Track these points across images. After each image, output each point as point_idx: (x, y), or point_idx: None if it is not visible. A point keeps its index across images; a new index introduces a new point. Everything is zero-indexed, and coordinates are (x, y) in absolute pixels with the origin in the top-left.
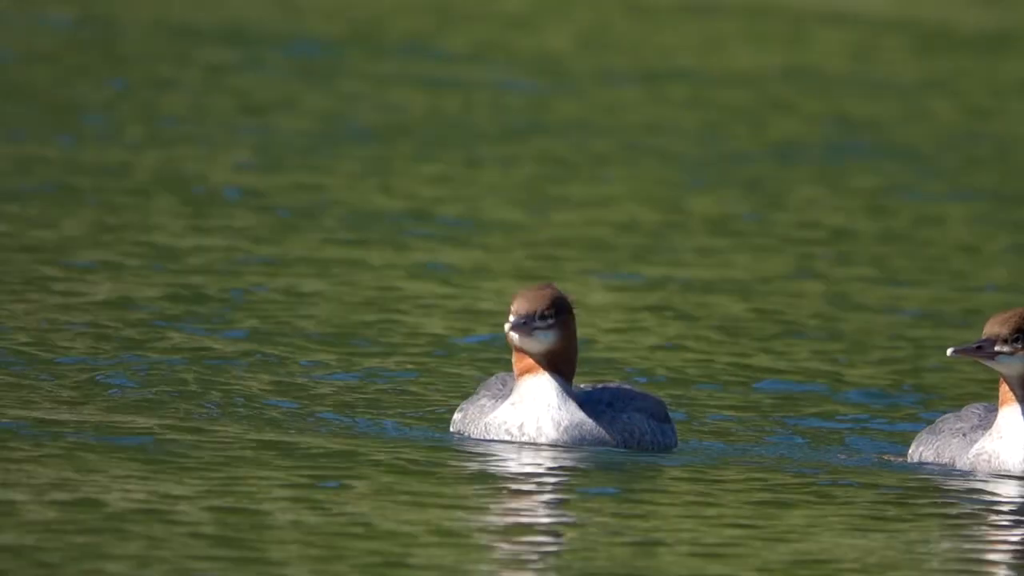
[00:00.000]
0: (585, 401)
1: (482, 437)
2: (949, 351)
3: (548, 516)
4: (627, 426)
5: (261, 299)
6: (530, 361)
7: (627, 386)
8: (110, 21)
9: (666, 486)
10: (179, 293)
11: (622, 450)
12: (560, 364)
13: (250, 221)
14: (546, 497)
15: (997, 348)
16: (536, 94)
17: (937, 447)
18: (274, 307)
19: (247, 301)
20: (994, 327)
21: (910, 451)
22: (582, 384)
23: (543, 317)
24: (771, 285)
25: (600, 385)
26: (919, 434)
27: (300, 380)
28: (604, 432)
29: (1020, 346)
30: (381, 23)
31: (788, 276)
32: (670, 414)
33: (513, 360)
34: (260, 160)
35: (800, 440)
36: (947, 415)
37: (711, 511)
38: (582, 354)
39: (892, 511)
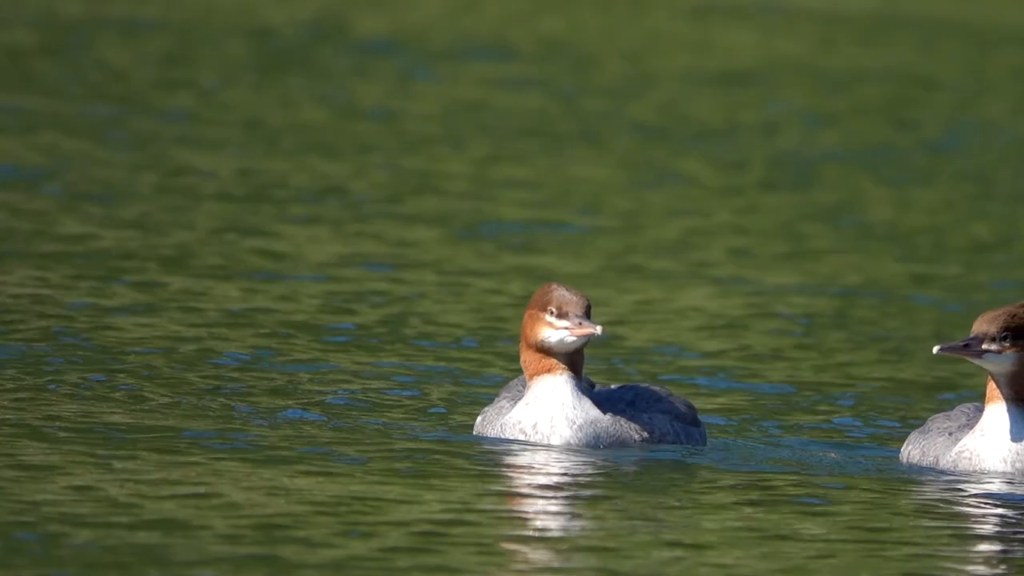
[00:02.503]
0: (605, 401)
1: (498, 437)
2: (935, 348)
3: (563, 518)
4: (647, 427)
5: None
6: (550, 361)
7: (655, 387)
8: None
9: (687, 486)
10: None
11: (641, 451)
12: (578, 366)
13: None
14: (562, 499)
15: (984, 346)
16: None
17: (923, 446)
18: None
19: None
20: (982, 325)
21: (901, 451)
22: (612, 385)
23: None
24: None
25: (626, 386)
26: (910, 435)
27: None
28: (622, 432)
29: (1008, 344)
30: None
31: None
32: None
33: (523, 360)
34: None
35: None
36: (937, 415)
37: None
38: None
39: (877, 517)
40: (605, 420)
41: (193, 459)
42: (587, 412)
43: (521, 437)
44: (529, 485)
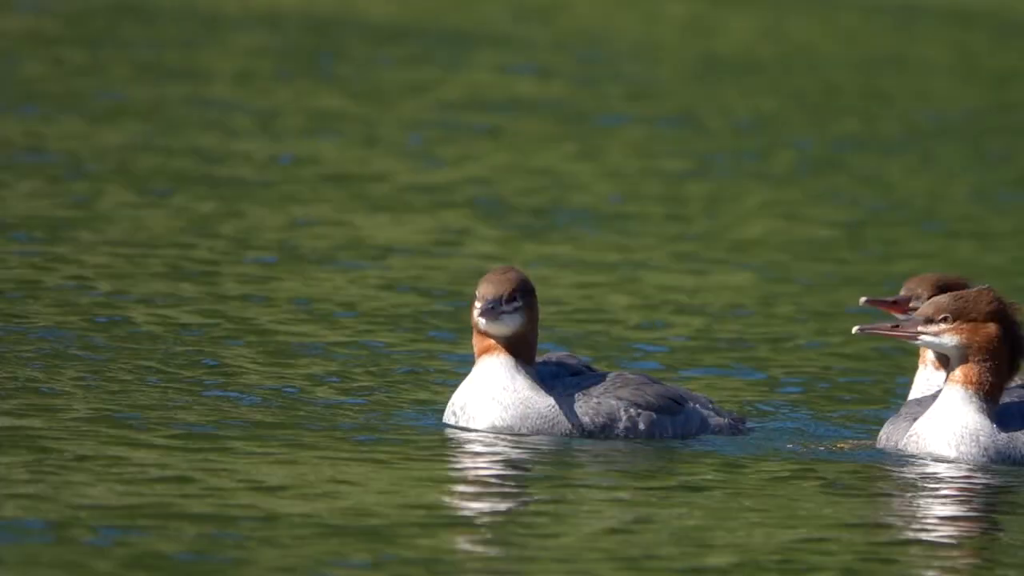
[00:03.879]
0: (557, 385)
1: (448, 422)
2: (855, 329)
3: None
4: (593, 412)
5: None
6: (488, 342)
7: (631, 374)
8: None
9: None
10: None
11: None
12: (519, 347)
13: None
14: (499, 484)
15: (921, 329)
16: None
17: (889, 432)
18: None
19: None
20: (925, 309)
21: (878, 436)
22: (613, 372)
23: (509, 300)
24: None
25: (598, 373)
26: (887, 421)
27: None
28: (556, 416)
29: (945, 326)
30: None
31: None
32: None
33: (473, 341)
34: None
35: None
36: (912, 399)
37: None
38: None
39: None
40: (539, 403)
41: (197, 446)
42: (519, 393)
43: (452, 420)
44: (467, 471)
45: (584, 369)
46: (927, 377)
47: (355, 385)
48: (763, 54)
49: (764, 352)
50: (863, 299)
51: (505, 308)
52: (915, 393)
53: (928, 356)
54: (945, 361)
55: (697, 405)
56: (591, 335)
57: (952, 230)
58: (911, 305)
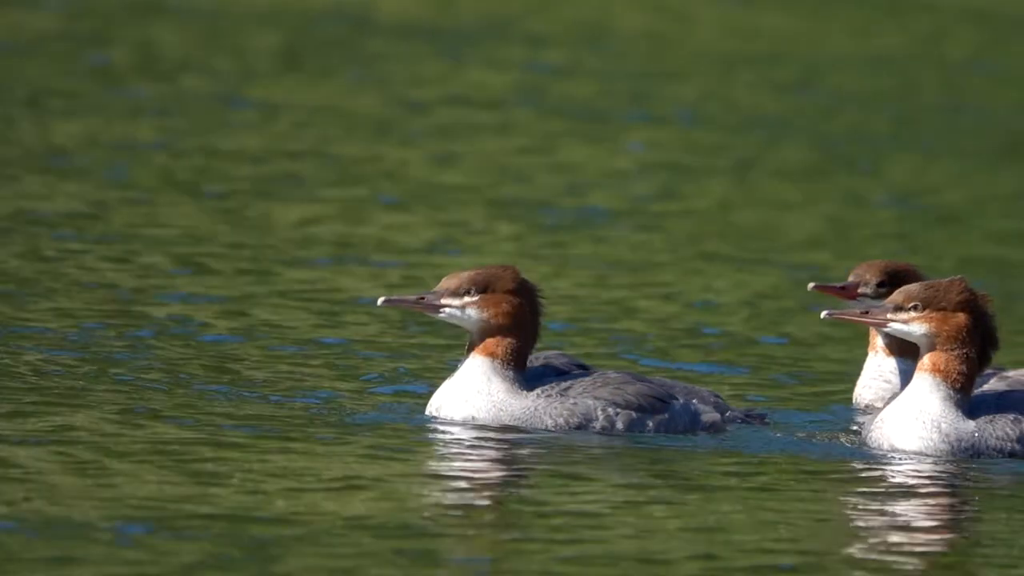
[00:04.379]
0: (537, 386)
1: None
2: (823, 314)
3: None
4: (572, 411)
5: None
6: (474, 343)
7: (614, 373)
8: None
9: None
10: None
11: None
12: (497, 348)
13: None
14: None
15: (890, 316)
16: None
17: (866, 423)
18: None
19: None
20: (896, 296)
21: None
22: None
23: (457, 294)
24: None
25: (578, 372)
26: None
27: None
28: (532, 417)
29: (915, 314)
30: None
31: None
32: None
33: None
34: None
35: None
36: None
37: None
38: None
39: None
40: (512, 405)
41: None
42: (492, 396)
43: (429, 417)
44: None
45: (573, 368)
46: (878, 364)
47: (351, 385)
48: (786, 50)
49: (776, 350)
50: (811, 285)
51: (449, 301)
52: (864, 379)
53: (878, 343)
54: (897, 348)
55: (695, 401)
56: (599, 331)
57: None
58: (859, 291)
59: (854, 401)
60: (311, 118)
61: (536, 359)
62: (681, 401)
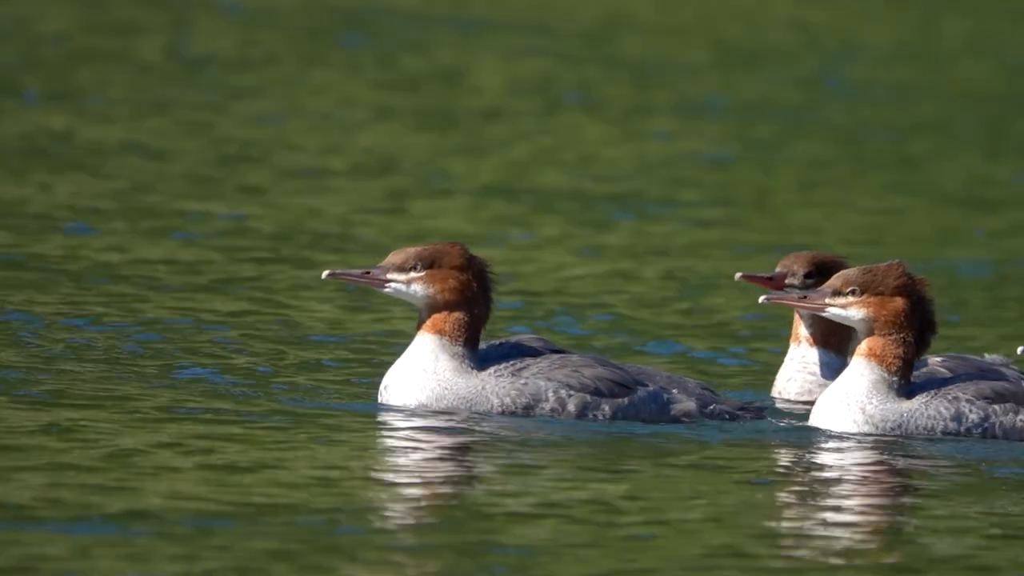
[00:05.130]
0: (489, 367)
1: (379, 401)
2: (762, 299)
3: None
4: (520, 391)
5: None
6: (421, 321)
7: (577, 356)
8: None
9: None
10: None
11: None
12: (445, 325)
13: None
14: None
15: (828, 300)
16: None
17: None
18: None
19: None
20: (834, 281)
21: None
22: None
23: (403, 270)
24: None
25: (542, 353)
26: None
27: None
28: (478, 397)
29: (853, 299)
30: None
31: None
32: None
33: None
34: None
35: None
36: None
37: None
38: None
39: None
40: (458, 384)
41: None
42: (439, 375)
43: (379, 399)
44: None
45: (547, 352)
46: (802, 354)
47: (354, 371)
48: (790, 42)
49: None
50: (738, 275)
51: (395, 276)
52: (785, 370)
53: (802, 333)
54: (820, 339)
55: (675, 391)
56: (593, 318)
57: None
58: (786, 282)
59: (775, 392)
60: (328, 109)
61: (507, 341)
62: (651, 388)
